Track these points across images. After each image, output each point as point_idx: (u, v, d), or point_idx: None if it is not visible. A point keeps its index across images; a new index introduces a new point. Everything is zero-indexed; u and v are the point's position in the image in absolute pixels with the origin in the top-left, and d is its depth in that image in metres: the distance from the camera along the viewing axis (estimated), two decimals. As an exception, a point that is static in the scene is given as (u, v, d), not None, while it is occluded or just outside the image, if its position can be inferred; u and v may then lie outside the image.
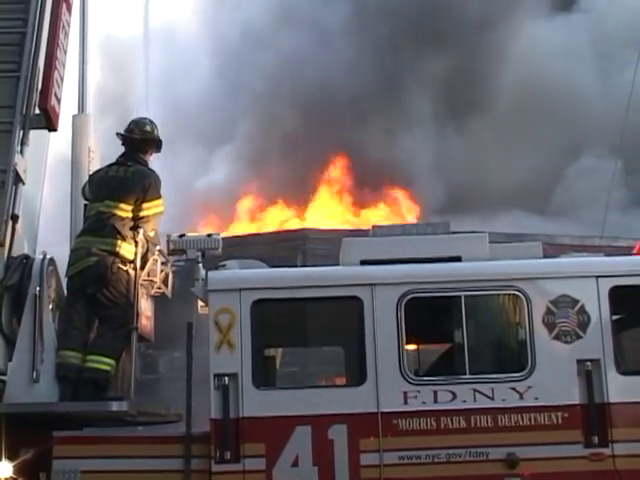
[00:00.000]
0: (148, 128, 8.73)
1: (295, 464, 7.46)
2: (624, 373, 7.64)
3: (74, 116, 10.15)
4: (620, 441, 7.50)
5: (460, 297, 7.77)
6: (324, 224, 24.24)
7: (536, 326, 7.71)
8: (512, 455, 7.43)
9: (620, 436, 7.51)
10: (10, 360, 7.82)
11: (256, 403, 7.55)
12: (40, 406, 7.66)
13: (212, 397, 7.57)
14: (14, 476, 7.47)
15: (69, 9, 9.35)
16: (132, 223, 8.26)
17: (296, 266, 14.47)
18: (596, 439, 7.49)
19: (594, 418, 7.52)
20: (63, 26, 8.97)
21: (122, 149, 8.71)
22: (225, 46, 29.86)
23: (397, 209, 26.77)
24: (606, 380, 7.58)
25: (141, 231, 8.25)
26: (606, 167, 21.52)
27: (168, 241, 8.04)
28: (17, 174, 8.15)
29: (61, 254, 8.53)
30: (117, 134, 8.74)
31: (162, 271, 8.51)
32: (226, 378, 7.56)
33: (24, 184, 8.33)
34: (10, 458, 7.46)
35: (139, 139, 8.64)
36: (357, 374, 7.78)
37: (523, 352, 7.71)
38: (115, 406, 7.77)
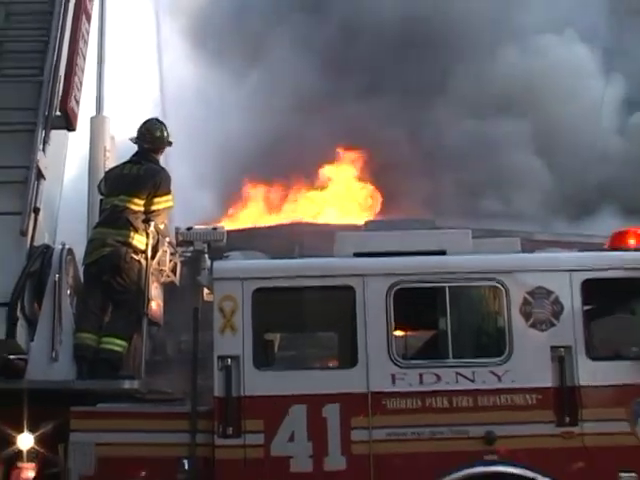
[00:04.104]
0: (158, 133, 9.03)
1: (291, 439, 7.70)
2: (594, 359, 7.89)
3: (92, 118, 10.43)
4: (589, 420, 7.76)
5: (445, 288, 7.99)
6: (319, 219, 24.41)
7: (514, 315, 7.94)
8: (490, 433, 7.70)
9: (589, 416, 7.77)
10: (32, 341, 8.10)
11: (256, 383, 7.78)
12: (58, 383, 7.98)
13: (216, 377, 7.79)
14: (35, 447, 7.76)
15: (88, 19, 9.61)
16: (144, 216, 8.63)
17: (294, 257, 14.75)
18: (567, 419, 7.76)
19: (566, 400, 7.78)
20: (83, 35, 9.22)
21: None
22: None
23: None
24: (577, 365, 7.83)
25: (152, 224, 8.63)
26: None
27: (177, 233, 8.28)
28: (39, 170, 8.38)
29: (79, 245, 8.84)
30: (131, 140, 9.06)
31: (171, 261, 8.89)
32: (229, 359, 7.79)
33: (45, 180, 8.53)
34: (31, 430, 7.70)
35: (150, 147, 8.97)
36: (349, 357, 8.02)
37: (502, 339, 7.94)
38: (127, 384, 8.16)
